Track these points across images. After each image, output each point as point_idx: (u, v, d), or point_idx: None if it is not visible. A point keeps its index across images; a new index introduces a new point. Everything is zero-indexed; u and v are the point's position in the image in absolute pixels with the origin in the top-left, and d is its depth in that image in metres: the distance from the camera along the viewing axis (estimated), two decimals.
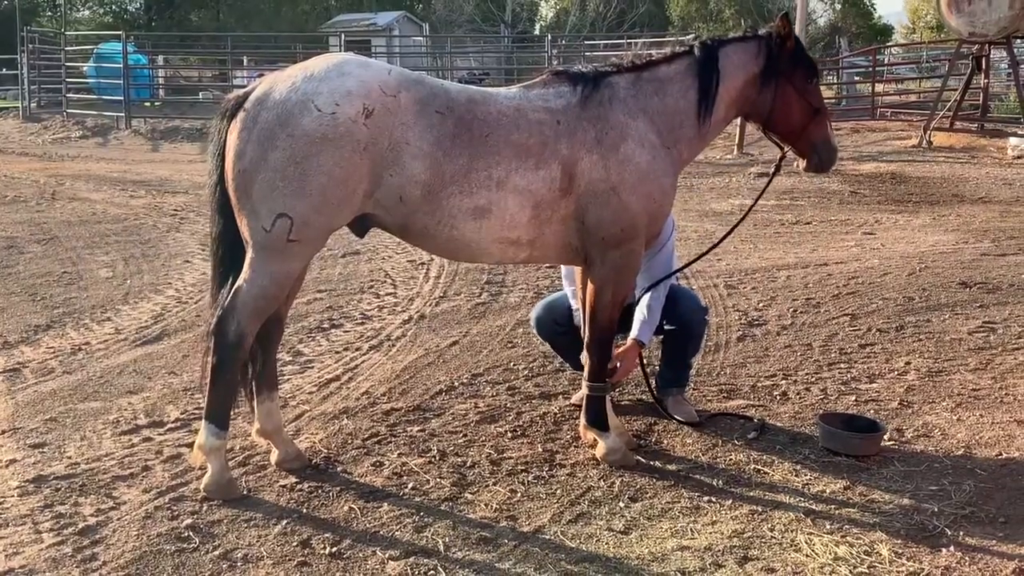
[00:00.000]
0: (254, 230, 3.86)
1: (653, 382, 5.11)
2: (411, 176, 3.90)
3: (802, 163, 4.65)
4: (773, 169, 4.85)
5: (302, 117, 3.76)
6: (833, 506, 4.06)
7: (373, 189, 3.91)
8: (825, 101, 4.72)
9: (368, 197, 3.93)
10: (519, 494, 4.16)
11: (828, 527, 3.87)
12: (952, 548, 3.69)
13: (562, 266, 5.04)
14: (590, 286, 4.40)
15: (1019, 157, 16.93)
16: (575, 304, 4.97)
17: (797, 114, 4.51)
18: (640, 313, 4.88)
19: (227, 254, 4.08)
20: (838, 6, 46.94)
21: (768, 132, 4.66)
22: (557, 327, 5.14)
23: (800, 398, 5.35)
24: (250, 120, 3.82)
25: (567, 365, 5.49)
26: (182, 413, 5.05)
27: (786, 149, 4.70)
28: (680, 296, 5.08)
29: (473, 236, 4.07)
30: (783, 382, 5.60)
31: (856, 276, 8.21)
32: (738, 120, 10.93)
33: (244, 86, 4.79)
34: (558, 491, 4.19)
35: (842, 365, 5.91)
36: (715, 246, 5.17)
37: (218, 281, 4.12)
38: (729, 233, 5.13)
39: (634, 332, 4.88)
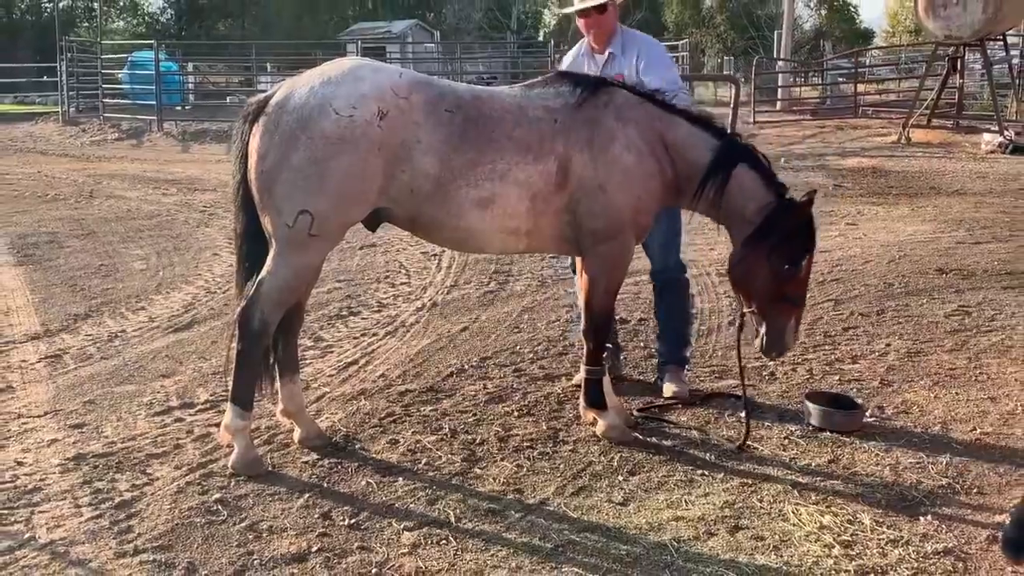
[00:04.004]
0: (277, 226, 3.84)
1: (656, 361, 5.10)
2: (422, 171, 3.88)
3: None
4: (737, 323, 4.44)
5: (321, 120, 3.73)
6: (818, 478, 4.05)
7: (387, 185, 3.89)
8: (800, 293, 4.18)
9: (383, 193, 3.91)
10: (525, 469, 4.15)
11: (814, 498, 3.85)
12: (930, 517, 3.68)
13: None
14: (585, 277, 4.40)
15: (992, 152, 16.81)
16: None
17: (757, 282, 4.14)
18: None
19: (250, 249, 4.07)
20: (823, 12, 46.62)
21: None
22: None
23: (787, 378, 5.33)
24: (272, 124, 3.80)
25: (571, 348, 5.46)
26: (211, 395, 5.05)
27: (745, 308, 4.30)
28: (663, 245, 5.03)
29: (478, 226, 4.05)
30: (771, 363, 5.56)
31: (839, 264, 8.17)
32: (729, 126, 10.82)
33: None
34: (561, 466, 4.19)
35: (826, 347, 5.88)
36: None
37: (243, 274, 4.11)
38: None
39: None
